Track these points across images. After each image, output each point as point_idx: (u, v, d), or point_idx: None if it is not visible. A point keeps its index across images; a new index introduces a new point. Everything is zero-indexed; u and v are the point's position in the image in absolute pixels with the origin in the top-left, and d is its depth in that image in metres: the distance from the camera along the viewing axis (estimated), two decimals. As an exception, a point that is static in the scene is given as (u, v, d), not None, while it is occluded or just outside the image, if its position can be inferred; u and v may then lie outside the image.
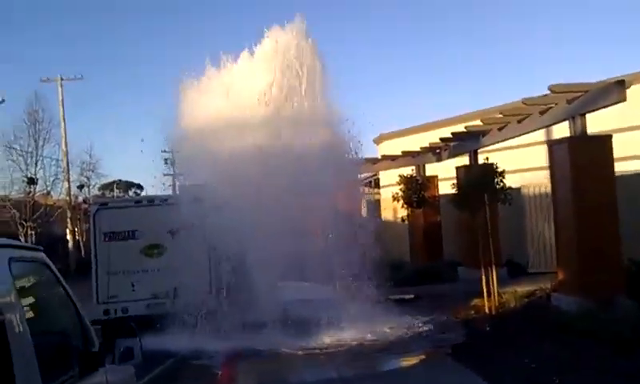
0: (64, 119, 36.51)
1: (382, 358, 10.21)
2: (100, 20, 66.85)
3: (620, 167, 12.90)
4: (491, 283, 12.53)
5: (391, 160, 23.25)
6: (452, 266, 18.92)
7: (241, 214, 12.73)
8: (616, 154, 12.23)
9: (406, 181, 20.78)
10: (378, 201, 29.84)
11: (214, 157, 13.34)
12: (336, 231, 13.80)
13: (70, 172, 37.08)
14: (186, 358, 10.71)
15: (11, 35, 57.21)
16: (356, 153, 14.37)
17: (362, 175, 24.61)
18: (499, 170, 13.06)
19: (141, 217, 13.87)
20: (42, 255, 3.85)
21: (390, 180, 23.77)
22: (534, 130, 15.21)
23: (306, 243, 13.59)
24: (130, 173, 74.21)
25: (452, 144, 19.33)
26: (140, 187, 54.00)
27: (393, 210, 23.84)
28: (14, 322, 2.98)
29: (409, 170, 21.81)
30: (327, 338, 11.27)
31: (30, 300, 3.54)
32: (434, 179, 21.74)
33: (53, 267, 3.86)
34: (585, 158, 12.18)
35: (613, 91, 11.85)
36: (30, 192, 32.73)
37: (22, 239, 31.61)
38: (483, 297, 13.13)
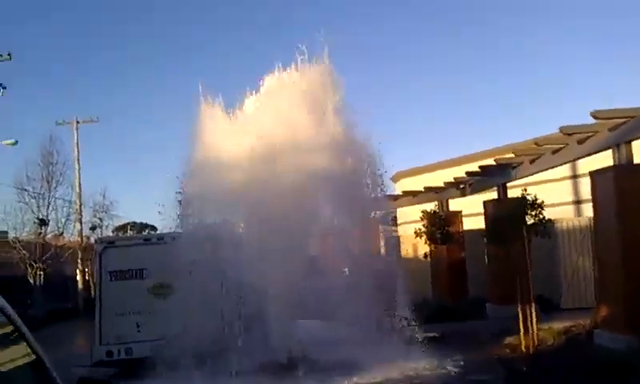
0: (78, 161, 36.40)
1: None
2: (115, 62, 67.33)
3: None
4: (529, 320, 11.52)
5: (412, 196, 22.62)
6: (478, 303, 18.10)
7: (257, 250, 12.07)
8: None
9: (429, 216, 20.04)
10: (398, 238, 29.12)
11: (230, 192, 12.75)
12: (356, 268, 13.14)
13: (83, 213, 36.82)
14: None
15: (26, 78, 57.57)
16: (381, 189, 13.76)
17: (381, 212, 24.16)
18: (538, 201, 12.24)
19: (150, 255, 13.11)
20: None
21: (409, 217, 23.22)
22: (570, 161, 14.49)
23: (325, 280, 12.87)
24: (144, 214, 73.77)
25: (476, 179, 18.65)
26: (154, 229, 53.54)
27: (413, 246, 23.04)
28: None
29: (430, 207, 21.17)
30: (352, 382, 10.24)
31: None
32: (457, 214, 21.04)
33: (11, 313, 2.92)
34: (631, 187, 11.41)
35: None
36: (41, 233, 32.21)
37: (31, 280, 31.05)
38: (516, 334, 12.20)
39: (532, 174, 16.20)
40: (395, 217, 32.32)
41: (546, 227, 12.43)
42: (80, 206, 36.21)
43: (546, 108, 62.20)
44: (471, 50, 67.71)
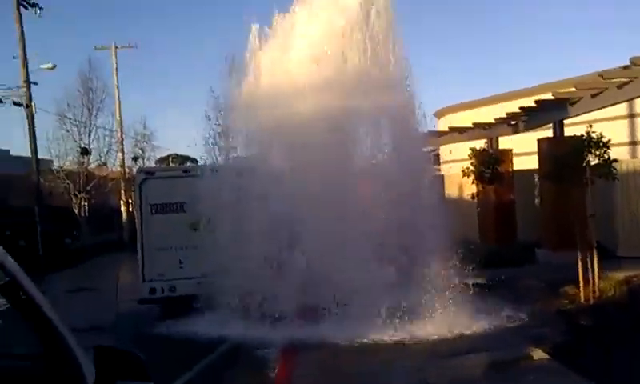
0: (118, 87, 36.10)
1: (472, 361, 8.36)
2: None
3: None
4: (590, 269, 10.75)
5: (459, 133, 21.65)
6: (528, 249, 17.23)
7: (299, 186, 11.50)
8: None
9: (479, 154, 19.05)
10: (441, 177, 28.29)
11: (271, 125, 12.11)
12: (399, 209, 12.48)
13: (124, 143, 36.74)
14: (239, 345, 9.50)
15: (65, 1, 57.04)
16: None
17: (425, 149, 23.36)
18: (604, 139, 11.25)
19: (189, 188, 12.68)
20: None
21: (453, 155, 22.35)
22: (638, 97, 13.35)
23: (366, 222, 12.23)
24: (184, 147, 73.96)
25: (531, 114, 17.59)
26: (195, 161, 53.54)
27: (458, 186, 22.16)
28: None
29: (479, 144, 20.16)
30: (398, 332, 9.70)
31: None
32: (508, 153, 20.01)
33: (13, 268, 2.30)
34: None
35: None
36: (84, 162, 32.32)
37: (76, 210, 31.37)
38: (573, 284, 11.48)
39: (593, 110, 15.25)
40: (438, 154, 31.32)
41: (610, 170, 11.46)
42: (121, 134, 36.10)
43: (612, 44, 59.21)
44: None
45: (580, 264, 10.84)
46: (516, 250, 17.50)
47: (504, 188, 19.41)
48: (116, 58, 36.08)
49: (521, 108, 17.54)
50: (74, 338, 2.39)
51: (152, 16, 68.21)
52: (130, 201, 36.03)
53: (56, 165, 32.32)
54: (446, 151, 29.25)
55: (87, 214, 32.40)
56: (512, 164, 20.02)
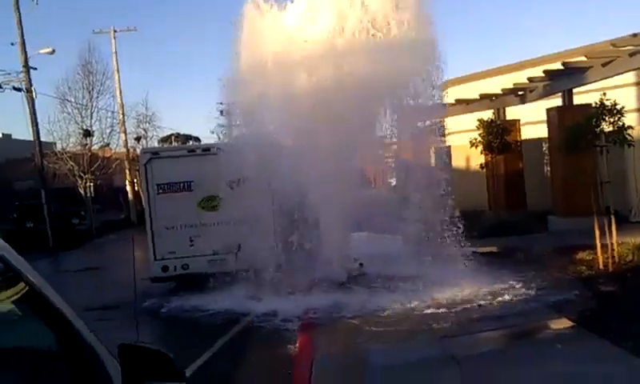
0: (117, 70, 35.98)
1: (495, 331, 8.21)
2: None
3: None
4: (608, 235, 10.64)
5: (466, 104, 21.42)
6: (538, 216, 17.18)
7: (305, 161, 11.39)
8: None
9: (486, 125, 18.90)
10: (448, 148, 28.11)
11: (275, 100, 11.96)
12: (409, 180, 12.40)
13: (127, 124, 36.65)
14: (256, 320, 9.43)
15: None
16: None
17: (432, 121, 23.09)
18: (618, 106, 11.08)
19: (196, 167, 12.55)
20: None
21: (460, 126, 22.12)
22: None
23: (375, 192, 12.12)
24: (186, 125, 73.63)
25: (540, 84, 17.38)
26: (198, 140, 53.25)
27: (466, 157, 22.03)
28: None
29: (487, 115, 19.95)
30: (415, 301, 9.62)
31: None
32: (515, 123, 19.94)
33: (16, 262, 2.03)
34: None
35: None
36: (87, 144, 32.19)
37: (82, 191, 31.32)
38: (588, 249, 11.41)
39: (602, 79, 15.01)
40: (443, 126, 31.11)
41: (625, 136, 11.29)
42: (123, 115, 36.01)
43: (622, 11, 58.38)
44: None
45: (597, 229, 10.73)
46: (527, 217, 17.47)
47: (513, 157, 19.40)
48: (115, 41, 35.98)
49: (528, 78, 17.37)
50: (95, 335, 2.18)
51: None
52: (136, 180, 36.04)
53: (59, 147, 32.24)
54: (451, 122, 29.01)
55: (93, 194, 32.38)
56: (520, 133, 19.95)
